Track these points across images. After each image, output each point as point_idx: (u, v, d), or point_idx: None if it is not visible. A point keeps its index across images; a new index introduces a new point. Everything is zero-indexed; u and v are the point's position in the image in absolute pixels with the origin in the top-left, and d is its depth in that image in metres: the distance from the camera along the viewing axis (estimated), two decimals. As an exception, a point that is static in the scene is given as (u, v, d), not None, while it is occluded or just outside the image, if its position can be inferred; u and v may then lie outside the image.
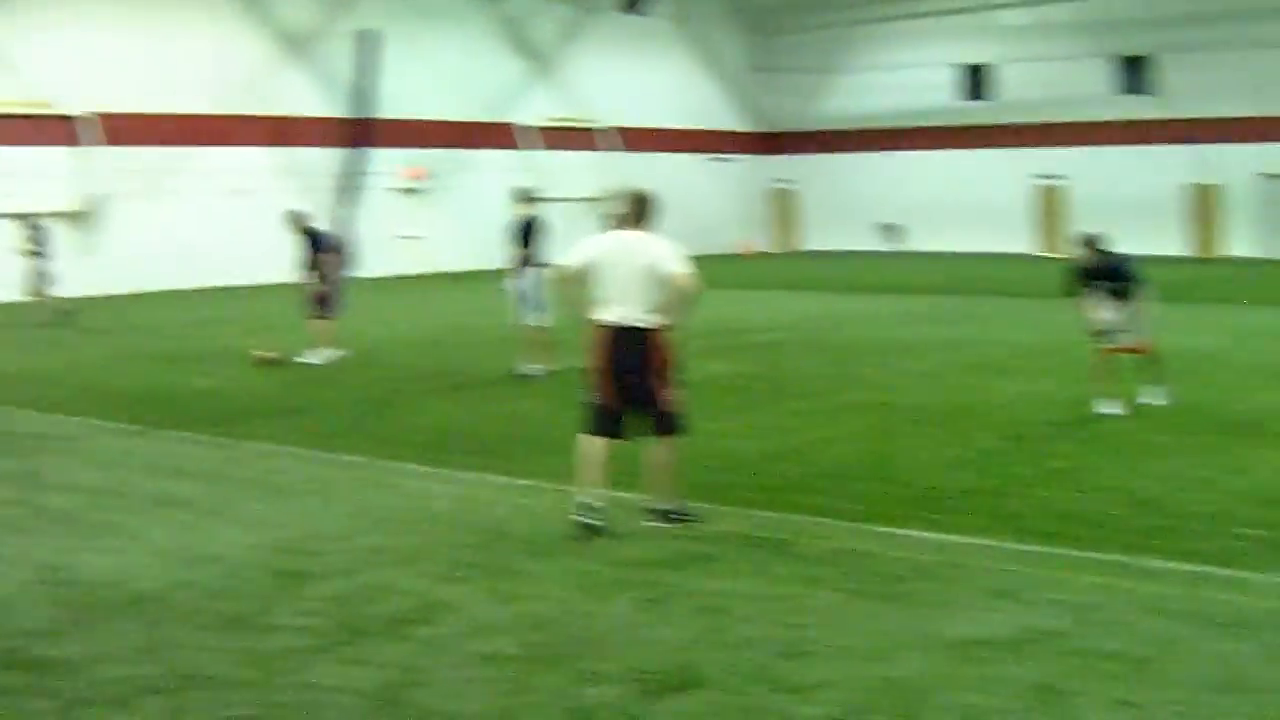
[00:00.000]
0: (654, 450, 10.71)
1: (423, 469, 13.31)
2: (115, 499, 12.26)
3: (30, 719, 6.92)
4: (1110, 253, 16.13)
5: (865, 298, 34.48)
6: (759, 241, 61.76)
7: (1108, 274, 15.97)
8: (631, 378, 10.51)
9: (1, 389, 19.77)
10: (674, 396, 10.64)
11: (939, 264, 48.35)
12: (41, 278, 30.85)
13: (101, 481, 13.07)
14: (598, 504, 10.51)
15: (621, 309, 10.55)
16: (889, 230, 59.44)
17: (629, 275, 10.50)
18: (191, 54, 42.33)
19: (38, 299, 30.70)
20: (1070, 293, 16.33)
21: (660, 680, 7.26)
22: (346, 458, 14.02)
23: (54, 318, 29.93)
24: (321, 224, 23.52)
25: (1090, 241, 16.19)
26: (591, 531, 10.35)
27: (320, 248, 22.68)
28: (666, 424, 10.67)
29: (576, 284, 10.87)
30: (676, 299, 10.45)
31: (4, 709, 7.07)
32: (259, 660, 7.74)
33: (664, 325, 10.52)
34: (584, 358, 10.94)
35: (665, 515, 10.65)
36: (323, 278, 22.44)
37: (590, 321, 10.75)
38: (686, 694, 7.07)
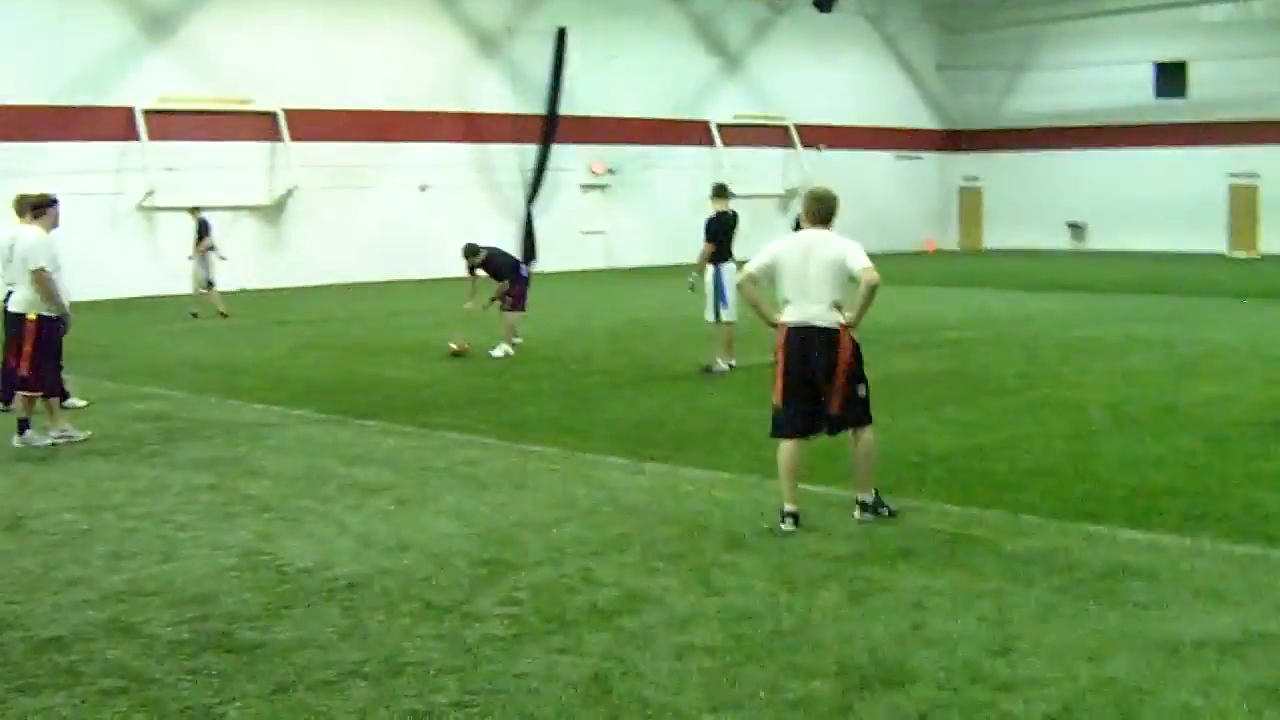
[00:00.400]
0: (854, 443, 10.65)
1: (618, 460, 13.33)
2: (314, 486, 12.42)
3: (240, 700, 7.03)
4: None
5: (1053, 295, 34.00)
6: (936, 239, 61.21)
7: None
8: (819, 376, 10.44)
9: (196, 378, 20.15)
10: (863, 389, 10.62)
11: (1128, 263, 47.54)
12: (204, 271, 31.08)
13: (300, 469, 13.27)
14: (799, 511, 10.48)
15: (806, 308, 10.48)
16: (1075, 229, 58.63)
17: (814, 273, 10.43)
18: (385, 51, 42.88)
19: (202, 294, 31.02)
20: None
21: (870, 675, 7.20)
22: (540, 448, 14.09)
23: (205, 310, 30.30)
24: (491, 245, 23.51)
25: None
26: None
27: (494, 269, 22.79)
28: (860, 415, 10.64)
29: (759, 284, 10.83)
30: (861, 294, 10.36)
31: (216, 690, 7.18)
32: (464, 648, 7.80)
33: (848, 323, 10.43)
34: (770, 355, 10.90)
35: (864, 506, 10.65)
36: (509, 283, 22.53)
37: (773, 322, 10.69)
38: (898, 690, 6.99)
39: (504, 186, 46.39)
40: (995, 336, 24.15)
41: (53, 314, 14.71)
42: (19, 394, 14.93)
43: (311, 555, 9.92)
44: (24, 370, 14.62)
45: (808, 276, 10.45)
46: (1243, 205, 53.81)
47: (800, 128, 55.45)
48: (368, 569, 9.52)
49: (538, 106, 46.43)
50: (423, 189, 43.75)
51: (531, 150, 46.62)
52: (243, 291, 37.50)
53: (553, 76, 46.45)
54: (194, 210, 31.97)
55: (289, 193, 40.83)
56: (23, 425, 14.65)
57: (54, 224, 14.96)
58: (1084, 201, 58.14)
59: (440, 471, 13.02)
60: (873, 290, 10.34)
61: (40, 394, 14.79)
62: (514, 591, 8.91)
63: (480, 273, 22.88)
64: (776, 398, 10.66)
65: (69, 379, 16.22)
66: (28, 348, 14.56)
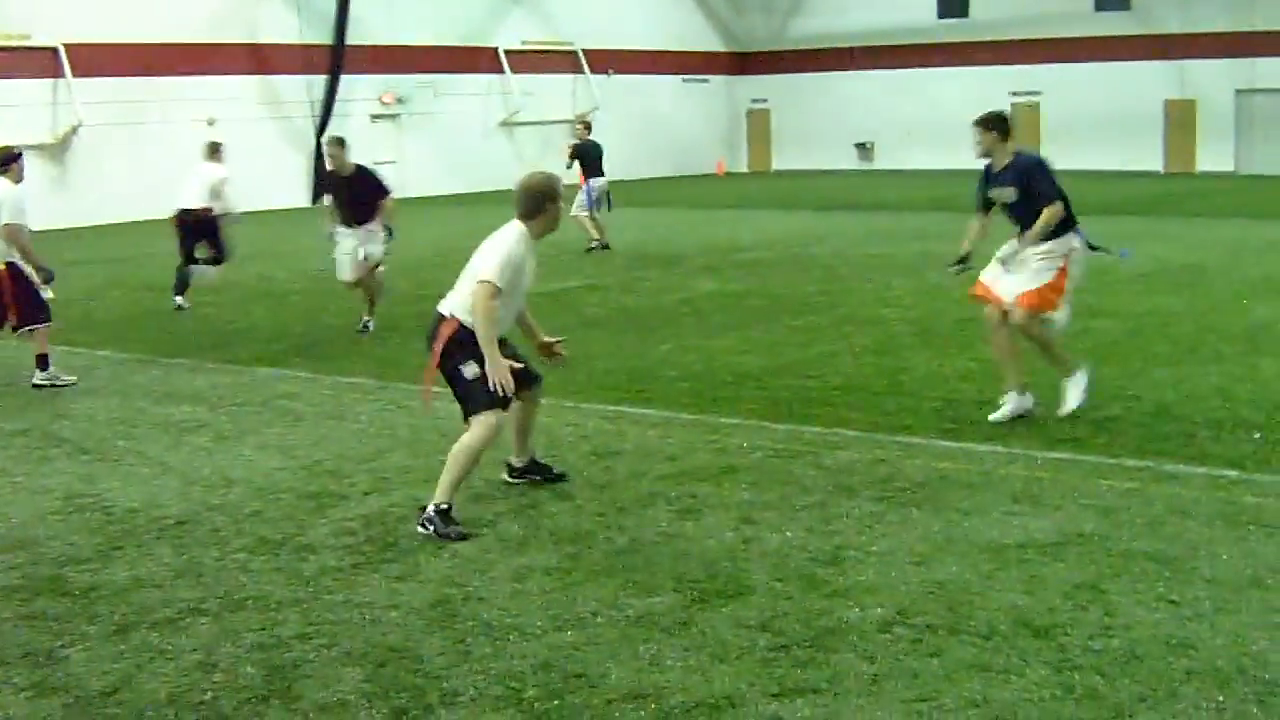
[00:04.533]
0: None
1: (439, 390, 13.29)
2: (129, 427, 12.26)
3: (82, 642, 6.97)
4: None
5: (845, 215, 34.51)
6: (726, 162, 61.71)
7: None
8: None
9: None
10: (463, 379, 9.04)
11: (916, 181, 48.28)
12: None
13: (113, 410, 13.07)
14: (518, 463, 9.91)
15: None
16: (863, 149, 59.46)
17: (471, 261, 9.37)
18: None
19: None
20: None
21: (708, 588, 7.37)
22: (355, 379, 14.12)
23: None
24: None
25: None
26: None
27: None
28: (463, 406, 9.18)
29: None
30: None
31: (55, 633, 7.11)
32: (303, 580, 7.81)
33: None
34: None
35: (426, 516, 8.71)
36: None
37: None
38: (736, 600, 7.16)
39: (293, 119, 45.77)
40: (792, 257, 24.47)
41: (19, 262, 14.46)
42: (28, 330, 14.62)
43: (136, 495, 9.82)
44: (13, 319, 14.43)
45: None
46: (1025, 123, 54.84)
47: (588, 53, 55.45)
48: (195, 506, 9.46)
49: (325, 36, 45.78)
50: (210, 123, 42.86)
51: (320, 81, 46.01)
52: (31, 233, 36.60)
53: (339, 5, 45.82)
54: None
55: (73, 130, 39.88)
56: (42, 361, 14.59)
57: (19, 178, 14.54)
58: (870, 121, 58.99)
59: (256, 406, 12.94)
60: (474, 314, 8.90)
61: (44, 324, 14.64)
62: (345, 522, 8.93)
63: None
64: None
65: None
66: (7, 298, 14.33)
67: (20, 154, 14.80)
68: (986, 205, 11.53)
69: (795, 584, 7.39)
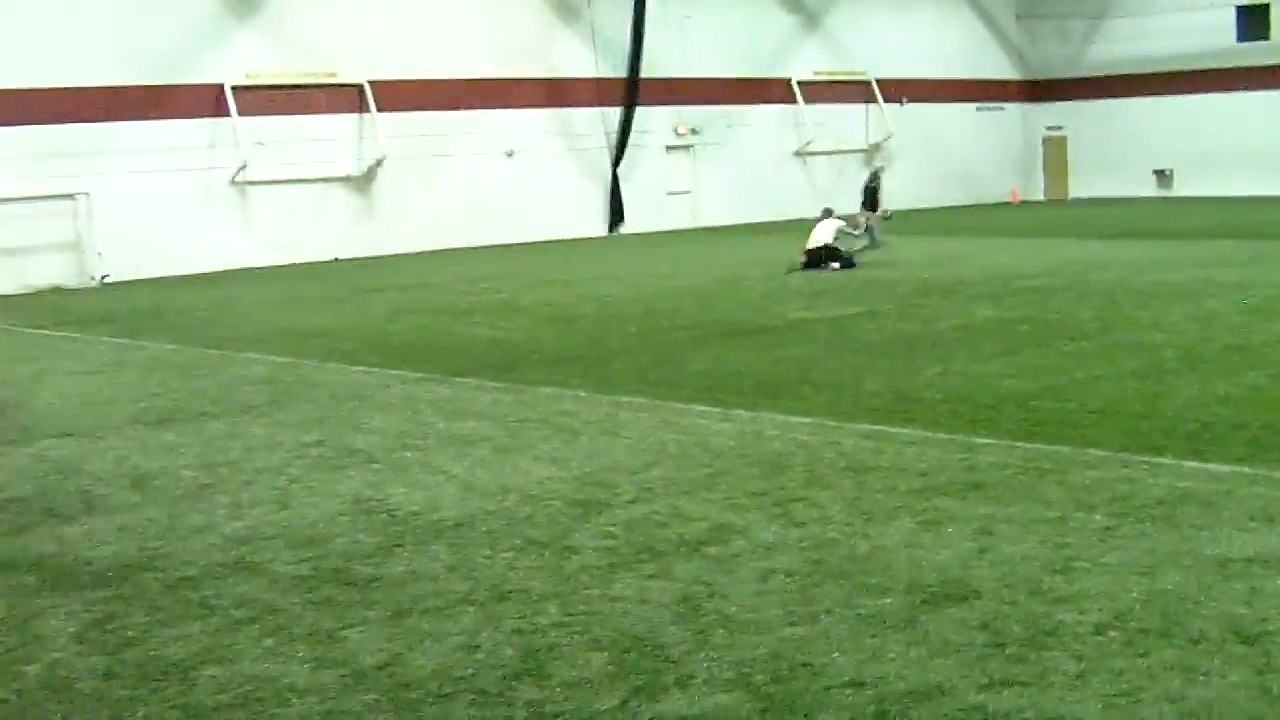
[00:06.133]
0: None
1: (704, 409, 13.95)
2: (416, 439, 13.13)
3: (361, 625, 7.72)
4: None
5: (1135, 243, 34.20)
6: (1021, 190, 61.22)
7: None
8: None
9: (296, 344, 20.89)
10: None
11: (1213, 209, 47.48)
12: None
13: (402, 425, 13.96)
14: None
15: None
16: (1162, 176, 58.54)
17: None
18: (465, 19, 43.35)
19: None
20: None
21: (937, 592, 7.81)
22: (630, 399, 14.75)
23: None
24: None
25: None
26: None
27: None
28: None
29: None
30: None
31: (338, 616, 7.89)
32: (563, 577, 8.47)
33: None
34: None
35: None
36: None
37: None
38: (962, 604, 7.60)
39: (589, 150, 46.92)
40: (1075, 284, 24.50)
41: None
42: None
43: (418, 500, 10.63)
44: None
45: None
46: (1329, 148, 53.58)
47: (881, 82, 55.60)
48: (471, 510, 10.22)
49: (620, 70, 46.85)
50: (509, 155, 44.38)
51: (615, 113, 47.08)
52: (336, 260, 38.43)
53: (633, 39, 46.84)
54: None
55: (378, 163, 41.51)
56: None
57: None
58: (1169, 148, 57.94)
59: (535, 423, 13.69)
60: None
61: None
62: (608, 527, 9.58)
63: None
64: None
65: (173, 349, 16.95)
66: None
67: None
68: None
69: (1021, 590, 7.78)
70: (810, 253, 29.49)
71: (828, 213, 31.30)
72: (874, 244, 31.84)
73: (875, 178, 36.24)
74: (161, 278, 34.34)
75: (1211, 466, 10.59)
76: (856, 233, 31.08)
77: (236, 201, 38.99)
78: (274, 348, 20.47)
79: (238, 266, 36.95)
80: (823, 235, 29.79)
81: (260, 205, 39.06)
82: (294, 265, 37.34)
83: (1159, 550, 8.42)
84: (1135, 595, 7.61)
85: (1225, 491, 9.78)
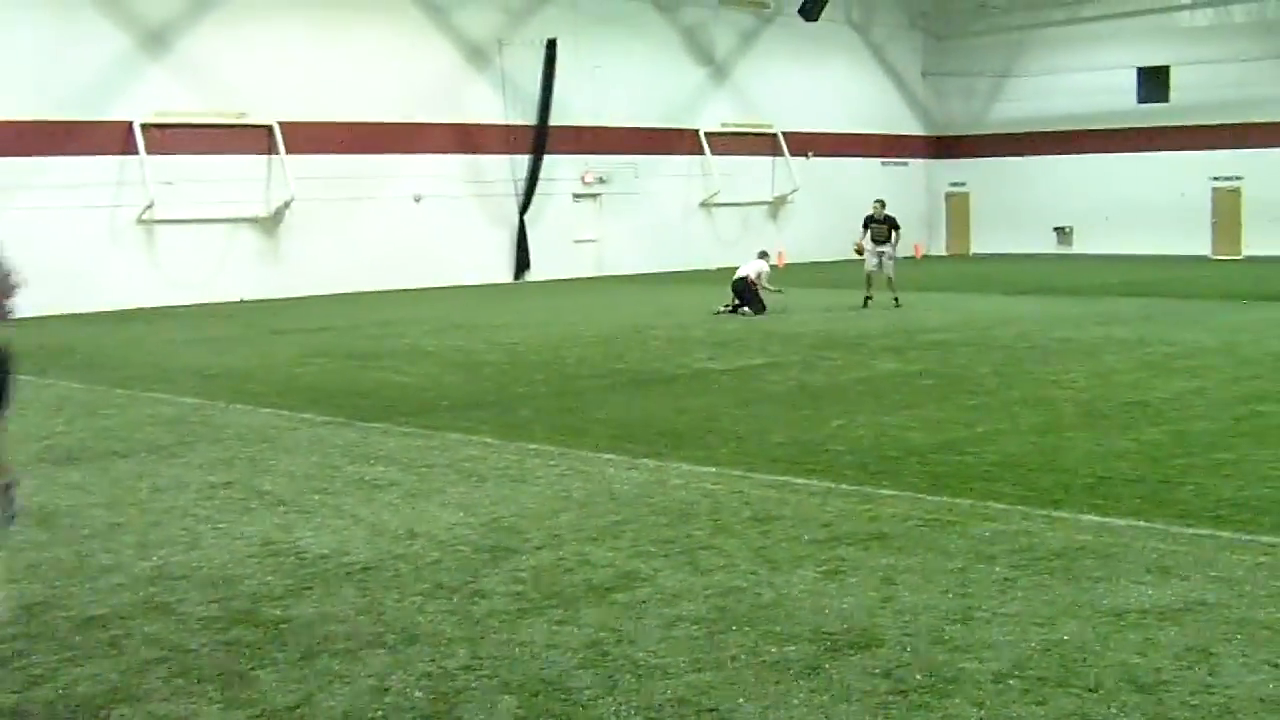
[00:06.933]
0: None
1: (612, 457, 14.07)
2: (325, 483, 13.16)
3: (271, 666, 7.76)
4: None
5: (1036, 299, 34.75)
6: (924, 245, 61.89)
7: None
8: None
9: (204, 385, 20.84)
10: None
11: (1112, 266, 48.29)
12: None
13: (310, 467, 13.99)
14: None
15: None
16: (1062, 233, 59.40)
17: None
18: (377, 64, 43.57)
19: None
20: None
21: (841, 640, 7.96)
22: (537, 446, 14.84)
23: None
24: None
25: None
26: None
27: None
28: None
29: None
30: None
31: (248, 657, 7.93)
32: (473, 621, 8.55)
33: None
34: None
35: None
36: None
37: None
38: (865, 651, 7.75)
39: (497, 196, 47.09)
40: (976, 339, 24.85)
41: None
42: None
43: (327, 543, 10.68)
44: None
45: None
46: (1226, 208, 54.59)
47: (788, 135, 56.19)
48: (380, 554, 10.28)
49: (529, 117, 47.10)
50: (417, 200, 44.48)
51: (523, 160, 47.32)
52: (242, 302, 38.36)
53: (543, 87, 47.11)
54: None
55: (286, 205, 41.49)
56: None
57: None
58: (1070, 206, 58.88)
59: (443, 468, 13.76)
60: None
61: None
62: (516, 572, 9.66)
63: None
64: None
65: (80, 387, 16.89)
66: None
67: None
68: None
69: (923, 639, 7.95)
70: (736, 283, 31.22)
71: (763, 255, 32.88)
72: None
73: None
74: (69, 315, 34.07)
75: (1109, 520, 10.82)
76: (773, 289, 31.58)
77: (144, 240, 38.88)
78: (181, 388, 20.41)
79: (145, 305, 36.87)
80: (750, 270, 31.34)
81: (167, 244, 38.98)
82: (201, 305, 37.32)
83: (1057, 601, 8.62)
84: (1034, 645, 7.80)
85: (1122, 544, 10.01)
